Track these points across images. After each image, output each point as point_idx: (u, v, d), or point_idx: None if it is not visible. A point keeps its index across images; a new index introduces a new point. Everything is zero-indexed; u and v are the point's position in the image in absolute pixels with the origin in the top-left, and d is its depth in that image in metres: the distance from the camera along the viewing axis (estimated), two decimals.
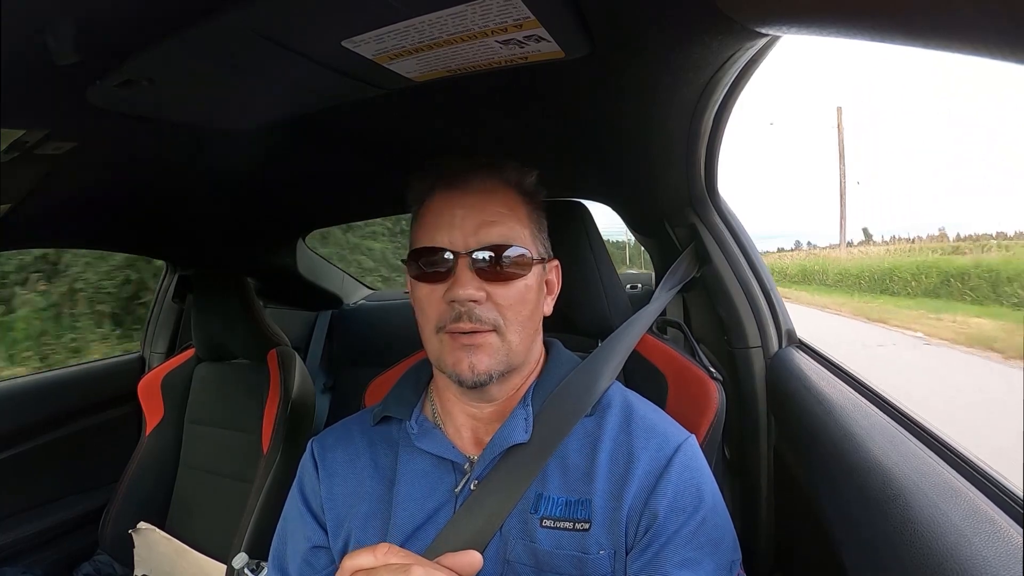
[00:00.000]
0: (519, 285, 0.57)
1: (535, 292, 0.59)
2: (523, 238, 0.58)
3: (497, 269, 0.56)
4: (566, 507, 0.55)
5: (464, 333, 0.55)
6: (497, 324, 0.56)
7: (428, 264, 0.57)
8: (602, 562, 0.53)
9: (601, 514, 0.54)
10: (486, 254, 0.56)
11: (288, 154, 0.91)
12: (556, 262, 0.65)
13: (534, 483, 0.56)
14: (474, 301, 0.55)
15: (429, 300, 0.57)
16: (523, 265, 0.57)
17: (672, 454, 0.56)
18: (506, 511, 0.55)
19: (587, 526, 0.54)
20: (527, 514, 0.55)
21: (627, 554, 0.53)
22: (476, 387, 0.56)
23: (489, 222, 0.57)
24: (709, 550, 0.52)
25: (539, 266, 0.60)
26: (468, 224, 0.56)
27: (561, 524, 0.54)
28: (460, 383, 0.56)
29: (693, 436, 0.59)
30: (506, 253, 0.56)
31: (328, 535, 0.61)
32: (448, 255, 0.56)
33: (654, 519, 0.53)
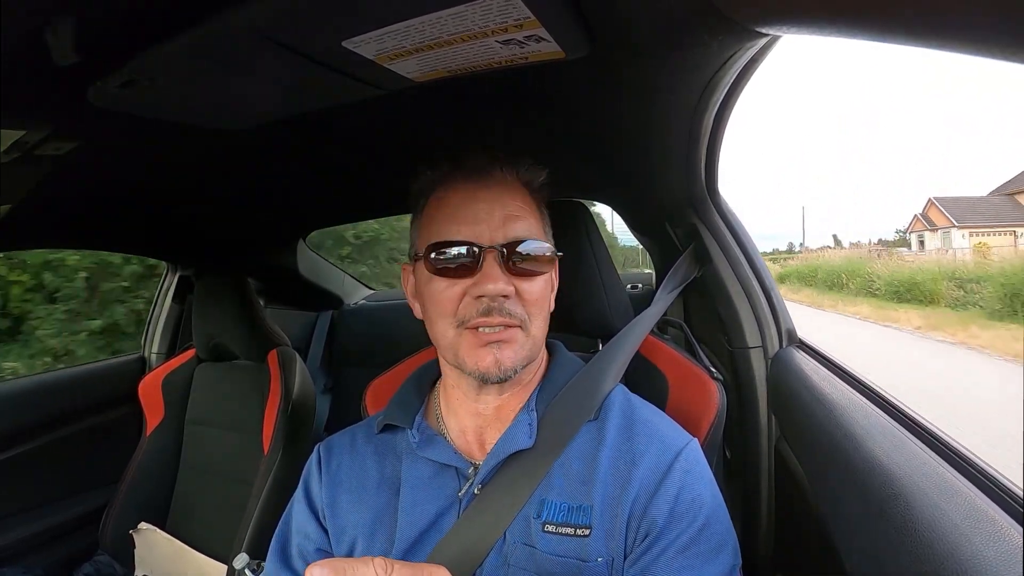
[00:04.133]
0: (541, 280, 0.57)
1: (550, 288, 0.60)
2: (542, 234, 0.59)
3: (524, 264, 0.56)
4: (568, 512, 0.55)
5: (492, 329, 0.54)
6: (523, 319, 0.56)
7: (450, 258, 0.55)
8: (600, 570, 0.53)
9: (601, 520, 0.54)
10: (519, 250, 0.56)
11: (288, 154, 0.91)
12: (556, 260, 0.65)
13: (538, 488, 0.56)
14: (504, 296, 0.54)
15: (449, 295, 0.55)
16: (545, 261, 0.58)
17: (673, 460, 0.55)
18: (510, 516, 0.55)
19: (587, 532, 0.54)
20: (530, 519, 0.55)
21: (624, 560, 0.53)
22: (500, 382, 0.56)
23: (514, 216, 0.56)
24: (708, 557, 0.52)
25: (554, 262, 0.60)
26: (492, 217, 0.56)
27: (562, 530, 0.54)
28: (484, 379, 0.55)
29: (695, 440, 0.58)
30: (532, 249, 0.56)
31: (331, 541, 0.61)
32: (474, 248, 0.55)
33: (652, 527, 0.52)
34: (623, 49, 0.53)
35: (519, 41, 0.48)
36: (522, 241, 0.56)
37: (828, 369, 0.81)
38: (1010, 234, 21.30)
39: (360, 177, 1.10)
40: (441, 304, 0.56)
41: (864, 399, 0.69)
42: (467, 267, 0.55)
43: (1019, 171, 24.36)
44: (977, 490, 0.47)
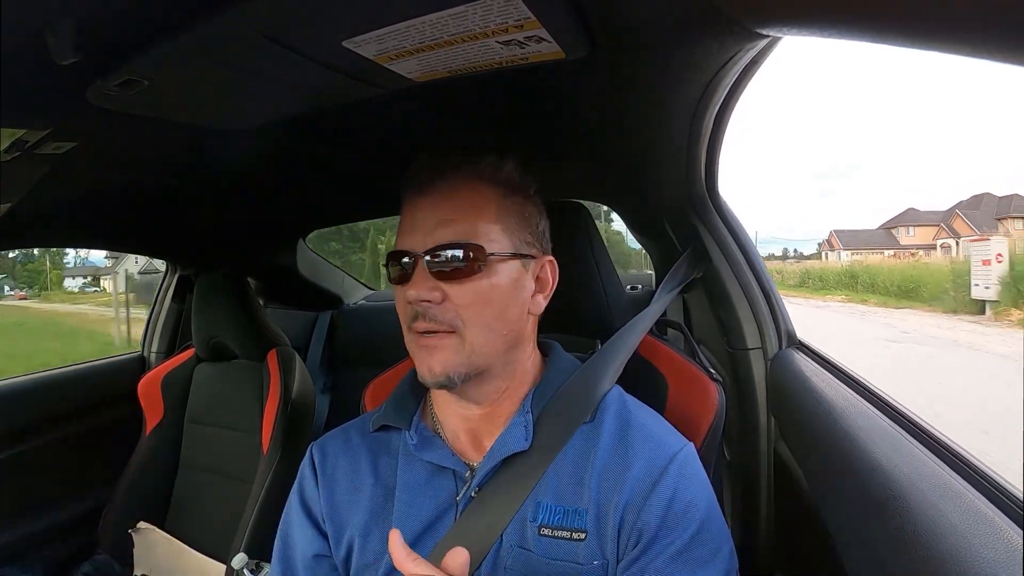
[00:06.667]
0: (479, 284, 0.55)
1: (505, 291, 0.56)
2: (488, 234, 0.56)
3: (453, 268, 0.54)
4: (563, 516, 0.54)
5: (422, 333, 0.55)
6: (455, 325, 0.54)
7: (396, 267, 0.57)
8: (595, 573, 0.52)
9: (595, 524, 0.53)
10: (441, 253, 0.55)
11: (288, 154, 0.91)
12: (549, 258, 0.62)
13: (534, 490, 0.55)
14: (427, 301, 0.54)
15: (400, 301, 0.58)
16: (481, 262, 0.55)
17: (666, 464, 0.54)
18: (506, 519, 0.55)
19: (583, 536, 0.53)
20: (526, 522, 0.55)
21: (617, 564, 0.53)
22: (440, 388, 0.56)
23: (446, 220, 0.55)
24: (702, 563, 0.51)
25: (513, 263, 0.57)
26: (426, 225, 0.56)
27: (558, 533, 0.54)
28: (424, 384, 0.57)
29: (691, 444, 0.58)
30: (459, 251, 0.54)
31: (330, 543, 0.61)
32: (408, 258, 0.56)
33: (644, 531, 0.52)
34: (623, 50, 0.53)
35: (519, 41, 0.48)
36: (448, 244, 0.54)
37: (828, 371, 0.81)
38: (871, 253, 31.43)
39: (359, 177, 1.10)
40: (398, 309, 0.58)
41: (864, 401, 0.69)
42: (405, 275, 0.56)
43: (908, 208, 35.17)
44: (976, 492, 0.47)
